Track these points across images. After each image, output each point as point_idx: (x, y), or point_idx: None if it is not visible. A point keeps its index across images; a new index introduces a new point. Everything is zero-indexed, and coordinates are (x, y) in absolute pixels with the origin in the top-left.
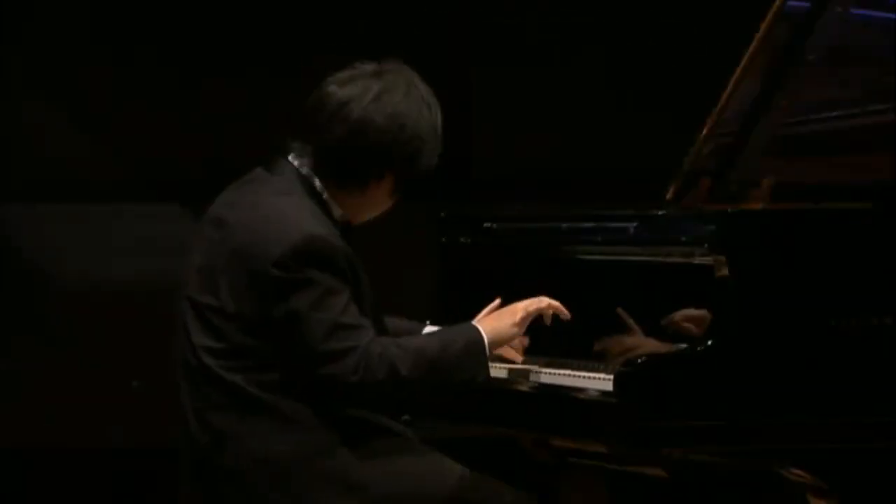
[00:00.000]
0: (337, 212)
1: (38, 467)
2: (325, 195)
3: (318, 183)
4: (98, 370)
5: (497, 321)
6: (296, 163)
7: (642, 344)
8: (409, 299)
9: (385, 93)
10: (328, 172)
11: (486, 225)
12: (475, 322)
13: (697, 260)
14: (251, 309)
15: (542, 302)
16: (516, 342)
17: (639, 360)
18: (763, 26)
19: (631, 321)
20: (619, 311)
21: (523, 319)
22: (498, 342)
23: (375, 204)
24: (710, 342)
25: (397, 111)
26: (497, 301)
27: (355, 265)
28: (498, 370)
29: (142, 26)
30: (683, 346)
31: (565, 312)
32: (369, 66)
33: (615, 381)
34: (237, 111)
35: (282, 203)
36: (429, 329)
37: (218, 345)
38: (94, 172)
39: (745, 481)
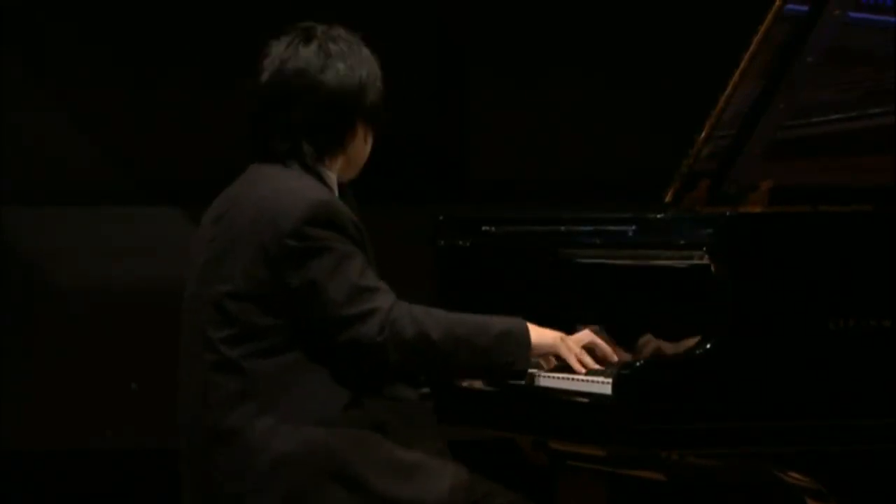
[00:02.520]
0: (331, 178)
1: (38, 469)
2: (316, 166)
3: (305, 157)
4: (97, 372)
5: (546, 330)
6: (280, 148)
7: (641, 347)
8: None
9: (317, 50)
10: (307, 146)
11: (485, 228)
12: None
13: (696, 263)
14: (267, 284)
15: (578, 352)
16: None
17: (637, 364)
18: (762, 28)
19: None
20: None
21: (568, 345)
22: (540, 343)
23: (358, 156)
24: (708, 345)
25: (344, 63)
26: None
27: (362, 230)
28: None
29: (141, 29)
30: (682, 349)
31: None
32: (286, 39)
33: (614, 385)
34: (237, 114)
35: (281, 178)
36: None
37: (235, 330)
38: (94, 176)
39: (744, 484)
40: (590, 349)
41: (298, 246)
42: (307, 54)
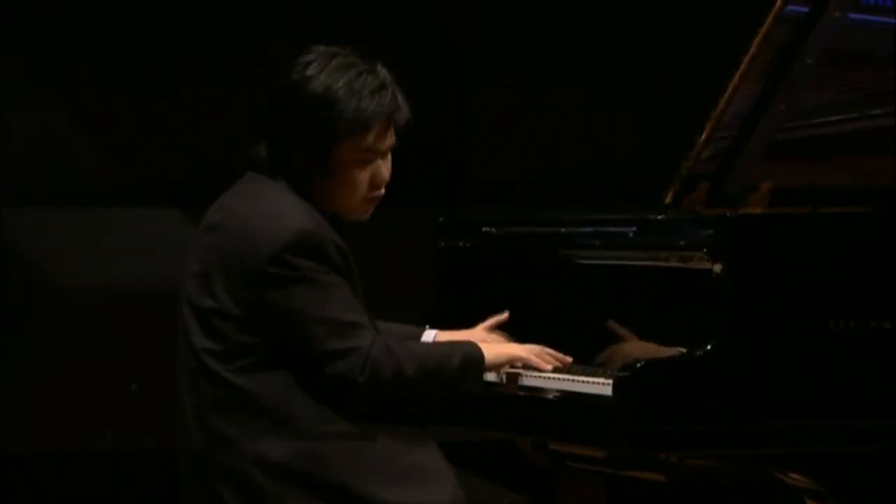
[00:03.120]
0: (322, 202)
1: (38, 470)
2: (310, 187)
3: (302, 176)
4: (97, 373)
5: (496, 345)
6: (280, 163)
7: (641, 348)
8: (407, 304)
9: (315, 70)
10: (307, 165)
11: (485, 229)
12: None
13: (696, 264)
14: (250, 307)
15: (538, 352)
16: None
17: (638, 365)
18: (762, 30)
19: (623, 331)
20: (611, 324)
21: (518, 357)
22: (496, 361)
23: (352, 184)
24: (708, 346)
25: (328, 83)
26: (506, 314)
27: (347, 256)
28: (497, 374)
29: (142, 30)
30: (682, 350)
31: (563, 361)
32: (310, 58)
33: (614, 386)
34: (237, 116)
35: (269, 199)
36: (429, 333)
37: (219, 346)
38: (93, 177)
39: (744, 485)
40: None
41: (279, 273)
42: (328, 78)
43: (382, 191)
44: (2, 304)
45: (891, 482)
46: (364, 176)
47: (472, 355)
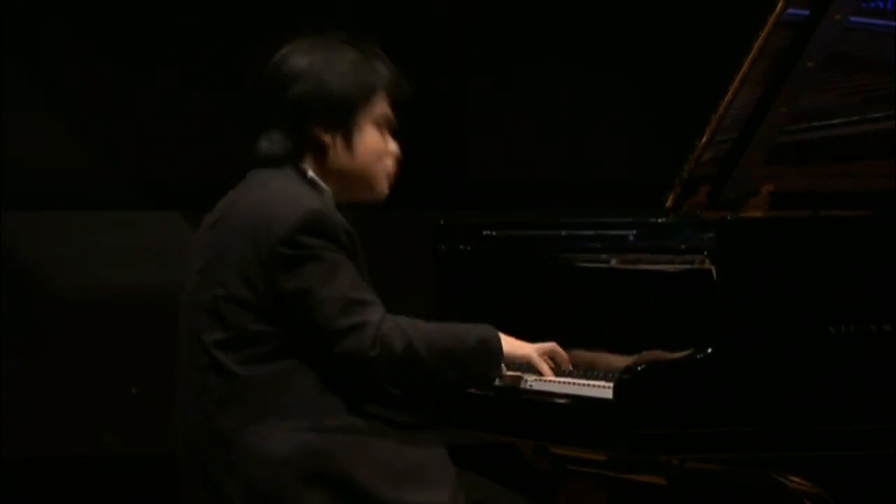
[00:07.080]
0: (324, 188)
1: (38, 475)
2: (309, 174)
3: (301, 164)
4: (97, 376)
5: (515, 341)
6: (278, 154)
7: (642, 351)
8: (407, 307)
9: (321, 54)
10: (304, 152)
11: (486, 233)
12: None
13: (696, 267)
14: (261, 290)
15: (549, 352)
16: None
17: (638, 368)
18: (763, 33)
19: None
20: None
21: (537, 352)
22: (513, 353)
23: (370, 150)
24: (709, 350)
25: (342, 71)
26: None
27: (354, 239)
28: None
29: (142, 33)
30: (683, 353)
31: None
32: (288, 46)
33: (615, 389)
34: (238, 119)
35: (278, 184)
36: None
37: (229, 334)
38: (93, 181)
39: (744, 488)
40: (550, 357)
41: (291, 253)
42: (307, 61)
43: (394, 162)
44: (1, 307)
45: (891, 486)
46: (379, 141)
47: (489, 338)
